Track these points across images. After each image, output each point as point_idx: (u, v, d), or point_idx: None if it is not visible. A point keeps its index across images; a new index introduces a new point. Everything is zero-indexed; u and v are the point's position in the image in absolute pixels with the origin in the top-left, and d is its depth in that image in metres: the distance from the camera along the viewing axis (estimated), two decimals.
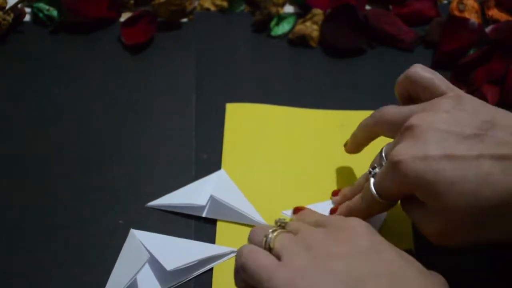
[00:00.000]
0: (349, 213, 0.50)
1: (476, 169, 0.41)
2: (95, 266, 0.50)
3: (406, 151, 0.43)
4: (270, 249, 0.42)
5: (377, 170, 0.47)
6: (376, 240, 0.41)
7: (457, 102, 0.45)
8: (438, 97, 0.47)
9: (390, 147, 0.47)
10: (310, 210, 0.51)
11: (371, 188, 0.47)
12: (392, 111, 0.49)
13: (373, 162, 0.49)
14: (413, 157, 0.43)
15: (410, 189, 0.44)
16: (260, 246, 0.42)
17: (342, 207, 0.51)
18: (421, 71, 0.48)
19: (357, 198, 0.50)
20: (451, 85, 0.47)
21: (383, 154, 0.47)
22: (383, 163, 0.47)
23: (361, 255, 0.39)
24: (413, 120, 0.45)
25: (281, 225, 0.44)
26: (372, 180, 0.47)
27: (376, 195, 0.47)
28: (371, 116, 0.51)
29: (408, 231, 0.52)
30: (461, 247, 0.45)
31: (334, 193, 0.54)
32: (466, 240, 0.44)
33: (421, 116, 0.45)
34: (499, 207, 0.41)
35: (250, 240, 0.44)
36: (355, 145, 0.54)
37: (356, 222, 0.42)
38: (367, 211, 0.48)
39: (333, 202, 0.54)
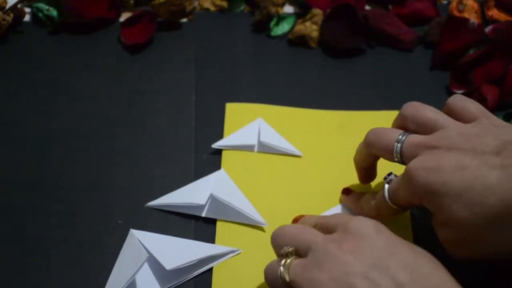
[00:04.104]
0: (358, 213, 0.51)
1: (483, 179, 0.41)
2: (95, 266, 0.50)
3: (422, 163, 0.44)
4: (287, 284, 0.42)
5: (392, 176, 0.48)
6: (386, 241, 0.41)
7: (484, 127, 0.45)
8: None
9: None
10: (309, 215, 0.51)
11: (385, 194, 0.48)
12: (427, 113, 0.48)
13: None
14: (426, 168, 0.44)
15: (420, 200, 0.45)
16: (277, 283, 0.43)
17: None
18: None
19: (367, 197, 0.51)
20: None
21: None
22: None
23: (377, 264, 0.39)
24: (437, 142, 0.45)
25: (288, 254, 0.43)
26: (386, 186, 0.48)
27: (389, 201, 0.48)
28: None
29: (408, 237, 0.52)
30: (481, 260, 0.46)
31: (344, 191, 0.54)
32: (480, 252, 0.44)
33: (446, 135, 0.45)
34: (506, 216, 0.41)
35: (266, 278, 0.44)
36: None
37: (363, 225, 0.42)
38: (375, 212, 0.49)
39: (343, 206, 0.54)
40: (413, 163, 0.45)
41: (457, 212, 0.42)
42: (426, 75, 0.66)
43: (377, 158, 0.51)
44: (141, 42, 0.67)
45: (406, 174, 0.45)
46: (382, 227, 0.42)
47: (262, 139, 0.58)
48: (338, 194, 0.54)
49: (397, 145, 0.47)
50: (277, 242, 0.45)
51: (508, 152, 0.42)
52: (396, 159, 0.48)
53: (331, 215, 0.47)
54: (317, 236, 0.43)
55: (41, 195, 0.55)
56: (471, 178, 0.42)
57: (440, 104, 0.63)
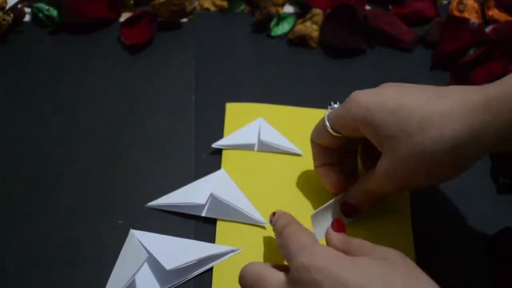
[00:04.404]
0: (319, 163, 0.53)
1: (414, 99, 0.45)
2: (95, 266, 0.50)
3: (366, 90, 0.48)
4: None
5: (336, 105, 0.51)
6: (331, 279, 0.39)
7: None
8: None
9: None
10: (283, 216, 0.49)
11: (325, 117, 0.51)
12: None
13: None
14: (369, 92, 0.48)
15: (355, 123, 0.47)
16: None
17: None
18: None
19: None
20: None
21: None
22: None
23: None
24: (386, 84, 0.49)
25: None
26: (328, 111, 0.51)
27: (328, 124, 0.50)
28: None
29: (408, 236, 0.52)
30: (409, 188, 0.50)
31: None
32: (407, 178, 0.46)
33: (392, 84, 0.49)
34: (420, 132, 0.43)
35: None
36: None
37: (306, 269, 0.41)
38: (316, 146, 0.52)
39: (335, 201, 0.53)
40: (358, 91, 0.48)
41: (388, 129, 0.45)
42: (426, 75, 0.66)
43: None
44: (141, 42, 0.67)
45: (349, 97, 0.48)
46: (320, 263, 0.40)
47: (262, 137, 0.58)
48: None
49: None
50: (241, 284, 0.45)
51: (447, 91, 0.45)
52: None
53: (289, 246, 0.44)
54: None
55: (41, 194, 0.55)
56: (405, 98, 0.45)
57: None
